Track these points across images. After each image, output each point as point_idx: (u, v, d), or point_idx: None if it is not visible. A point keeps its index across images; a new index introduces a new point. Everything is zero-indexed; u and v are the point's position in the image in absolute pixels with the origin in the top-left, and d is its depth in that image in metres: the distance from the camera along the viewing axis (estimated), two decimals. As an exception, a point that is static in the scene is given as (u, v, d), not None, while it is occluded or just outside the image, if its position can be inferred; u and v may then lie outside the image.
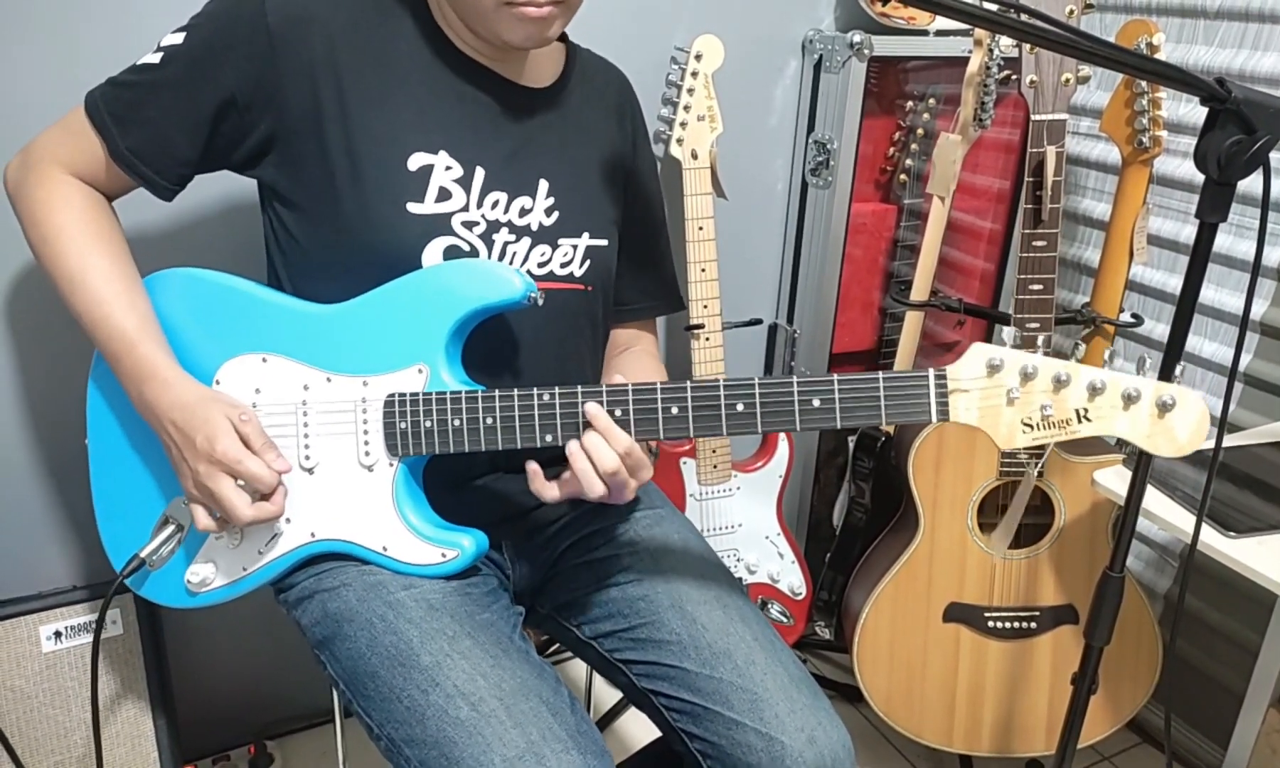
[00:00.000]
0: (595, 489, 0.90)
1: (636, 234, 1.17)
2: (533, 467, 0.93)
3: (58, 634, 1.33)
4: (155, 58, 0.95)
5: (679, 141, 1.48)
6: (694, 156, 1.48)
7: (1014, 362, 0.81)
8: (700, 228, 1.49)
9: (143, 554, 0.97)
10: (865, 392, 0.84)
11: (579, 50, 1.12)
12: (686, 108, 1.47)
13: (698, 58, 1.46)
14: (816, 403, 0.85)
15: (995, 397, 0.82)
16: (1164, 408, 0.79)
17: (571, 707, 0.90)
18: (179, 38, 0.94)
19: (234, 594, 1.01)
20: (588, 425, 0.89)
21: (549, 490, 0.94)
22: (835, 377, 0.85)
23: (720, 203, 1.53)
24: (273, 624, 1.55)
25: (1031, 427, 0.81)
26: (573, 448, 0.90)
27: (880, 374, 0.84)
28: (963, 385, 0.83)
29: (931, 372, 0.83)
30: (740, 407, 0.87)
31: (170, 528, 0.98)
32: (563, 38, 1.11)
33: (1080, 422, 0.80)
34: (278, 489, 0.93)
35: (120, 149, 0.95)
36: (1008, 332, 0.87)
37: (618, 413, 0.89)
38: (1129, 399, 0.79)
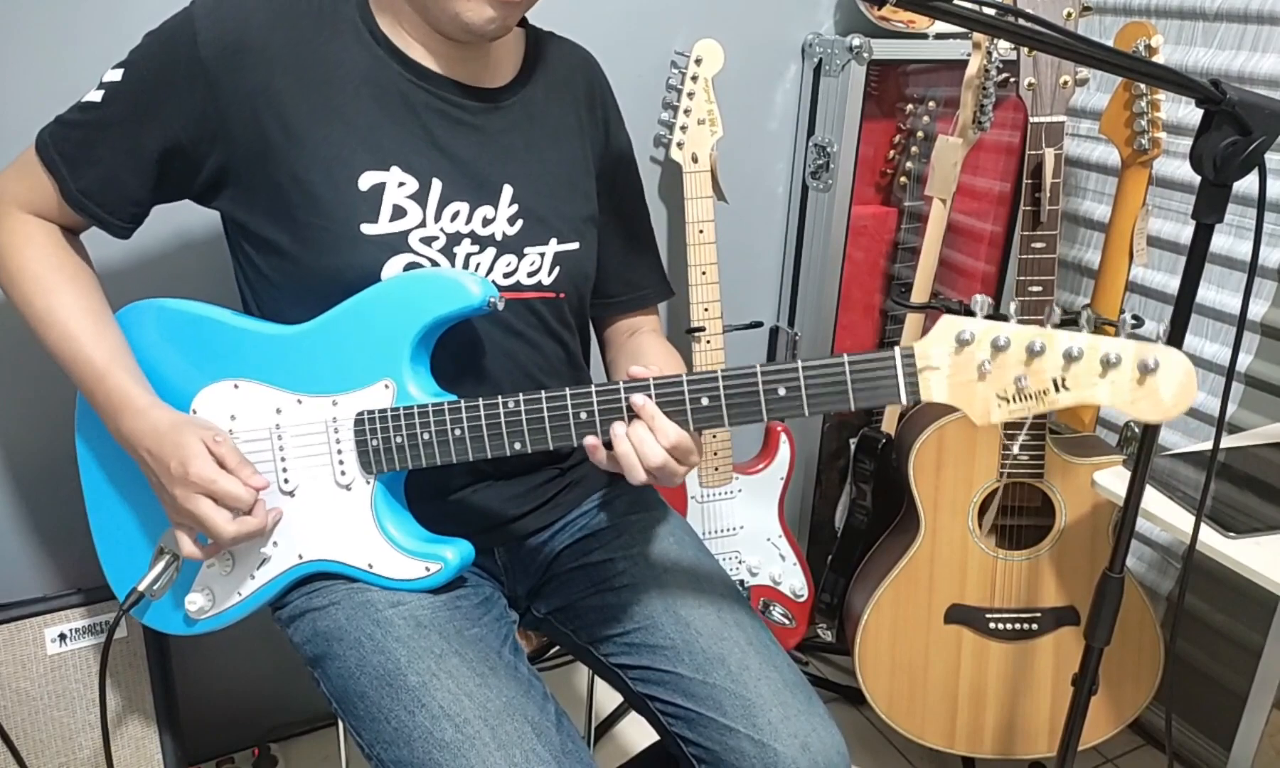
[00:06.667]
0: (637, 477, 0.86)
1: (616, 223, 1.13)
2: (591, 441, 0.88)
3: (62, 637, 1.33)
4: (98, 96, 0.93)
5: (679, 145, 1.48)
6: (694, 160, 1.49)
7: (984, 334, 0.77)
8: (701, 231, 1.50)
9: (141, 587, 0.97)
10: (831, 377, 0.81)
11: (540, 36, 1.07)
12: (687, 112, 1.48)
13: (698, 62, 1.46)
14: (782, 392, 0.83)
15: (966, 372, 0.78)
16: (1146, 371, 0.75)
17: (558, 725, 0.89)
18: (118, 75, 0.93)
19: (233, 619, 1.01)
20: (634, 416, 0.85)
21: (599, 455, 0.88)
22: (800, 363, 0.82)
23: (721, 206, 1.54)
24: (275, 629, 1.56)
25: (1007, 400, 0.77)
26: (617, 431, 0.85)
27: (845, 357, 0.81)
28: (932, 362, 0.78)
29: (898, 350, 0.79)
30: (705, 401, 0.85)
31: (166, 558, 0.99)
32: (523, 24, 1.06)
33: (1058, 391, 0.76)
34: (258, 504, 0.92)
35: (71, 191, 0.94)
36: (977, 300, 0.82)
37: (583, 416, 0.87)
38: (1108, 364, 0.75)
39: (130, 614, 1.01)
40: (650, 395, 0.85)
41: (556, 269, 1.03)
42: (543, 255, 1.02)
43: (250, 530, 0.92)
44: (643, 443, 0.85)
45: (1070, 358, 0.76)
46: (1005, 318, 0.79)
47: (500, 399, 0.89)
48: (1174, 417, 0.76)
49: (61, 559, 1.41)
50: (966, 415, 0.79)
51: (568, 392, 0.87)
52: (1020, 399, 0.77)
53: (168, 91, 0.91)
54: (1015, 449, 1.39)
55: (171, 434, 0.91)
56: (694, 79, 1.47)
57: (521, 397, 0.89)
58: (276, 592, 0.99)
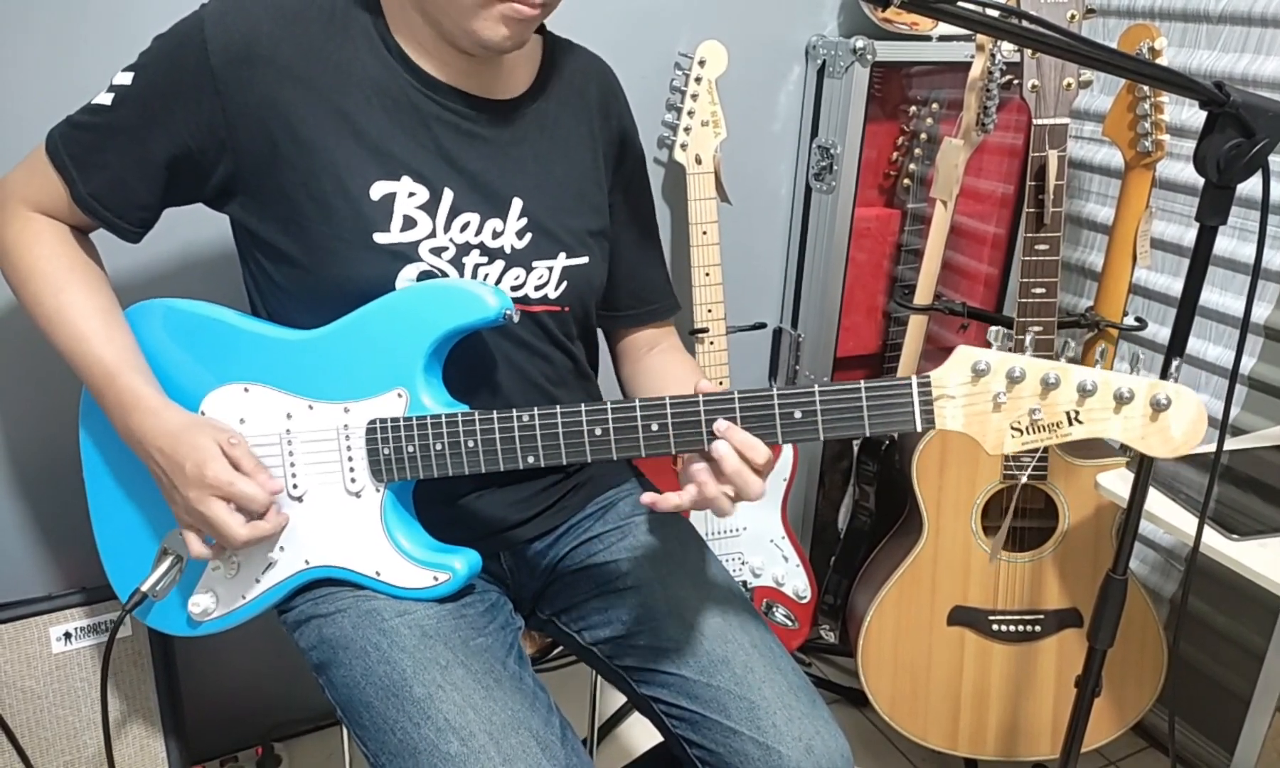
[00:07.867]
0: (724, 509, 0.86)
1: (628, 235, 1.13)
2: (649, 498, 0.88)
3: (67, 635, 1.34)
4: (108, 98, 0.93)
5: (683, 147, 1.49)
6: (698, 162, 1.49)
7: (1000, 365, 0.78)
8: (704, 232, 1.50)
9: (144, 588, 0.97)
10: (847, 402, 0.82)
11: (557, 45, 1.06)
12: (690, 113, 1.48)
13: (701, 63, 1.47)
14: (798, 415, 0.83)
15: (981, 402, 0.79)
16: (1158, 407, 0.76)
17: (562, 739, 0.89)
18: (128, 78, 0.92)
19: (236, 622, 1.01)
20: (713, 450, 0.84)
21: (668, 503, 0.88)
22: (816, 387, 0.82)
23: (724, 207, 1.54)
24: (280, 628, 1.56)
25: (1021, 431, 0.78)
26: (723, 451, 0.84)
27: (862, 383, 0.81)
28: (948, 391, 0.80)
29: (914, 379, 0.81)
30: (720, 422, 0.85)
31: (170, 559, 0.99)
32: (541, 31, 1.06)
33: (1071, 424, 0.78)
34: (271, 507, 0.92)
35: (81, 194, 0.94)
36: (993, 331, 0.84)
37: (598, 432, 0.87)
38: (1121, 399, 0.77)
39: (134, 615, 1.01)
40: (668, 416, 0.85)
41: (564, 284, 1.02)
42: (550, 269, 1.01)
43: (262, 534, 0.92)
44: (742, 475, 0.84)
45: (1084, 392, 0.77)
46: (1022, 332, 0.80)
47: (515, 412, 0.89)
48: (1182, 454, 0.77)
49: (66, 558, 1.42)
50: (979, 443, 0.80)
51: (583, 407, 0.87)
52: (1034, 431, 0.78)
53: (176, 99, 0.90)
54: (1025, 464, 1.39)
55: (185, 435, 0.90)
56: (698, 80, 1.47)
57: (536, 411, 0.88)
58: (282, 596, 0.99)
